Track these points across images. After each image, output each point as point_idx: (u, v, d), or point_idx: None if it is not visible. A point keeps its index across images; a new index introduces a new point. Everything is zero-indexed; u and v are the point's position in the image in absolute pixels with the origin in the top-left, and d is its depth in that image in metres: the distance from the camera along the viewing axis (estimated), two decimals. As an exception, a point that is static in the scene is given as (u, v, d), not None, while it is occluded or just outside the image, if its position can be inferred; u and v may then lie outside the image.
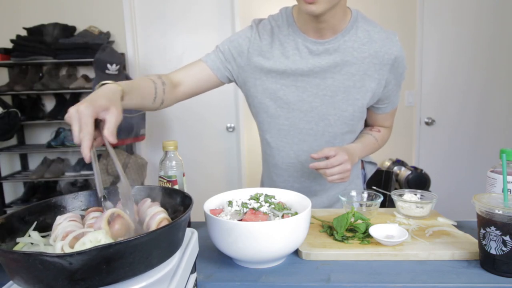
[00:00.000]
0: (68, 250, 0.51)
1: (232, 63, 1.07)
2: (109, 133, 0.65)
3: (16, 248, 0.55)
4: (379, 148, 1.19)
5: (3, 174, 2.76)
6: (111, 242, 0.44)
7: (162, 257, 0.52)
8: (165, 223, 0.57)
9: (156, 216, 0.58)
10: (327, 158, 0.96)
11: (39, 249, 0.54)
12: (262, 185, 1.27)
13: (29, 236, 0.57)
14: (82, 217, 0.63)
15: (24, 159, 2.96)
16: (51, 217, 0.61)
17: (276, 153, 1.14)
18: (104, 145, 0.67)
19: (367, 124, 1.21)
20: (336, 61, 1.01)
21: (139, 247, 0.47)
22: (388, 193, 1.08)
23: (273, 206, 0.79)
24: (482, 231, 0.71)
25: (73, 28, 2.74)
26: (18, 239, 0.56)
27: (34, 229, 0.59)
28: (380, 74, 1.02)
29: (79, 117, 0.63)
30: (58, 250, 0.51)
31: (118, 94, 0.74)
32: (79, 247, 0.50)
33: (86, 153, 0.61)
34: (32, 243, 0.56)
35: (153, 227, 0.57)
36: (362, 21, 1.02)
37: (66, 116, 0.65)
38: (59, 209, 0.66)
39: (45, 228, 0.61)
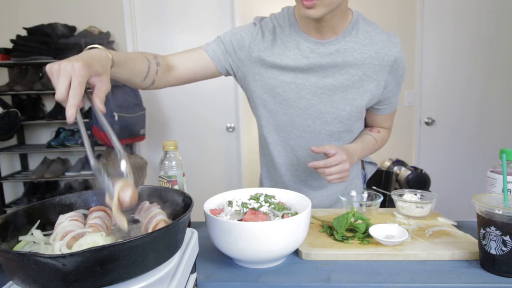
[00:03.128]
0: (65, 250, 0.51)
1: (233, 55, 1.07)
2: (100, 101, 0.64)
3: (18, 246, 0.55)
4: (379, 148, 1.19)
5: (3, 174, 2.76)
6: (104, 244, 0.44)
7: (160, 259, 0.52)
8: (162, 225, 0.57)
9: (153, 218, 0.58)
10: (326, 155, 0.96)
11: (40, 248, 0.54)
12: (261, 182, 1.28)
13: (32, 234, 0.57)
14: (86, 216, 0.63)
15: (24, 159, 2.96)
16: (55, 215, 0.61)
17: (272, 148, 1.14)
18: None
19: (366, 125, 1.22)
20: (336, 61, 1.01)
21: (134, 250, 0.46)
22: (388, 193, 1.08)
23: (273, 206, 0.79)
24: (482, 231, 0.71)
25: (73, 28, 2.74)
26: (20, 237, 0.56)
27: (38, 228, 0.59)
28: (379, 76, 1.03)
29: (71, 74, 0.60)
30: (56, 250, 0.51)
31: (109, 63, 0.73)
32: (76, 248, 0.50)
33: (73, 112, 0.59)
34: (34, 242, 0.56)
35: (150, 229, 0.56)
36: (363, 23, 1.03)
37: (53, 68, 0.61)
38: (63, 208, 0.66)
39: (49, 226, 0.61)
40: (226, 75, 1.12)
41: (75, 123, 0.60)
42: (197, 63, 1.05)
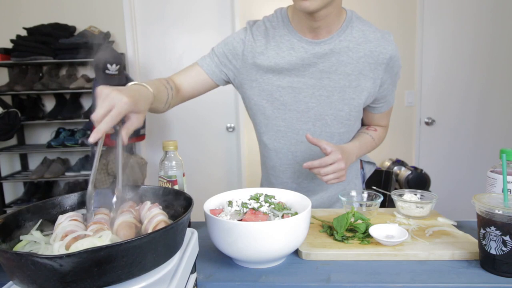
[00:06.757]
0: (64, 251, 0.51)
1: (228, 65, 1.07)
2: (126, 134, 0.68)
3: (19, 245, 0.55)
4: (376, 147, 1.19)
5: (3, 174, 2.77)
6: (101, 245, 0.43)
7: (158, 261, 0.51)
8: (162, 225, 0.57)
9: (153, 219, 0.58)
10: (323, 152, 0.96)
11: (40, 248, 0.55)
12: (261, 187, 1.27)
13: (32, 234, 0.57)
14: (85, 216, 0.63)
15: (24, 159, 2.96)
16: (56, 215, 0.61)
17: (273, 155, 1.14)
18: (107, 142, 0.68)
19: (363, 123, 1.21)
20: (331, 60, 1.01)
21: (131, 251, 0.46)
22: (388, 193, 1.08)
23: (273, 206, 0.79)
24: (482, 231, 0.71)
25: (73, 28, 2.74)
26: (21, 237, 0.56)
27: (39, 227, 0.59)
28: (375, 74, 1.03)
29: (114, 104, 0.64)
30: (55, 251, 0.51)
31: (150, 102, 0.79)
32: (74, 249, 0.50)
33: (99, 135, 0.62)
34: (35, 242, 0.56)
35: (150, 230, 0.56)
36: (357, 21, 1.03)
37: (102, 92, 0.65)
38: (65, 208, 0.66)
39: (50, 226, 0.61)
40: (225, 85, 1.14)
41: (79, 127, 0.61)
42: (196, 79, 1.08)
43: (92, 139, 0.62)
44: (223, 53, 1.07)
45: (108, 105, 0.64)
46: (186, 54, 2.90)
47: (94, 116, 0.63)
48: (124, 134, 0.68)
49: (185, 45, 2.90)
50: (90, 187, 0.64)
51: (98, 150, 0.65)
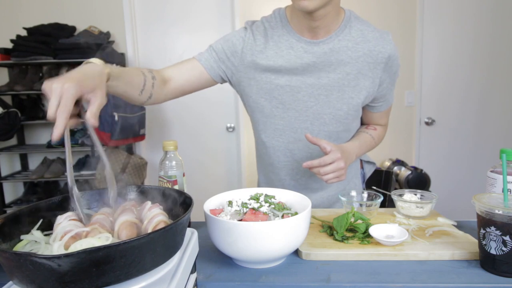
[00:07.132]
0: (63, 251, 0.51)
1: (227, 62, 1.07)
2: (92, 115, 0.64)
3: (19, 245, 0.55)
4: (376, 146, 1.19)
5: (3, 174, 2.76)
6: (99, 246, 0.43)
7: (158, 261, 0.51)
8: (162, 226, 0.56)
9: (153, 219, 0.58)
10: (323, 151, 0.96)
11: (40, 248, 0.55)
12: (259, 185, 1.27)
13: (32, 234, 0.57)
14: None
15: (24, 159, 2.96)
16: (57, 215, 0.61)
17: (271, 153, 1.14)
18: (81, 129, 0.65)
19: (363, 123, 1.22)
20: (330, 60, 1.01)
21: (130, 251, 0.46)
22: (388, 193, 1.08)
23: (273, 206, 0.79)
24: (482, 231, 0.71)
25: (73, 28, 2.74)
26: (22, 236, 0.57)
27: (40, 227, 0.59)
28: (374, 73, 1.03)
29: (61, 94, 0.60)
30: (55, 251, 0.51)
31: (104, 76, 0.72)
32: (73, 250, 0.50)
33: (59, 131, 0.59)
34: (36, 241, 0.57)
35: (150, 230, 0.56)
36: (355, 21, 1.03)
37: (47, 88, 0.61)
38: (66, 207, 0.66)
39: (52, 225, 0.60)
40: (221, 83, 1.13)
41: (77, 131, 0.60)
42: (191, 73, 1.06)
43: (54, 137, 0.58)
44: (222, 49, 1.07)
45: (55, 98, 0.60)
46: (186, 54, 2.88)
47: (48, 115, 0.60)
48: (89, 116, 0.63)
49: (185, 45, 2.90)
50: (75, 189, 0.62)
51: (67, 147, 0.62)
